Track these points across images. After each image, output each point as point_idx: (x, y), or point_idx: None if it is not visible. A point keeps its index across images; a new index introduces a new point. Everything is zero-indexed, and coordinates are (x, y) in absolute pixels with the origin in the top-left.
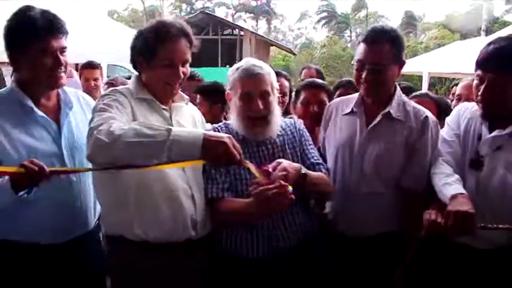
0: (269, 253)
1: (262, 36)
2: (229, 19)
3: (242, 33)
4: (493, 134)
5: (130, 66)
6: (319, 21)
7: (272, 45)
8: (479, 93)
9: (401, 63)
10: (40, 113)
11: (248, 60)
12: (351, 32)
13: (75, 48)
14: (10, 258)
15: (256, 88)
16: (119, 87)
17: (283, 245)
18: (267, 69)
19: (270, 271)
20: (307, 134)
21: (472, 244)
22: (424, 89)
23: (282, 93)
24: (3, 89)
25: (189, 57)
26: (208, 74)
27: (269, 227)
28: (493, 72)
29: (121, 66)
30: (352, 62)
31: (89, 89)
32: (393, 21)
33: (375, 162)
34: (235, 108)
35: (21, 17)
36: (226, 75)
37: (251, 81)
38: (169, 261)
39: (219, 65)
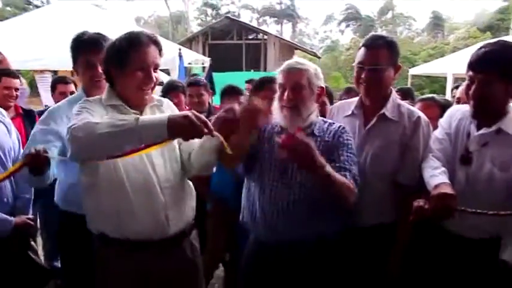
0: (282, 241)
1: (286, 40)
2: (254, 23)
3: (266, 37)
4: (480, 131)
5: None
6: (344, 23)
7: (296, 49)
8: (471, 92)
9: (397, 67)
10: None
11: (291, 60)
12: None
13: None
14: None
15: (288, 80)
16: (90, 98)
17: (291, 231)
18: (307, 67)
19: (283, 259)
20: (349, 140)
21: (464, 234)
22: (448, 91)
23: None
24: None
25: (159, 62)
26: (232, 78)
27: (269, 214)
28: (482, 73)
29: None
30: (352, 64)
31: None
32: (420, 22)
33: (372, 159)
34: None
35: None
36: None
37: (286, 74)
38: (147, 257)
39: (243, 69)
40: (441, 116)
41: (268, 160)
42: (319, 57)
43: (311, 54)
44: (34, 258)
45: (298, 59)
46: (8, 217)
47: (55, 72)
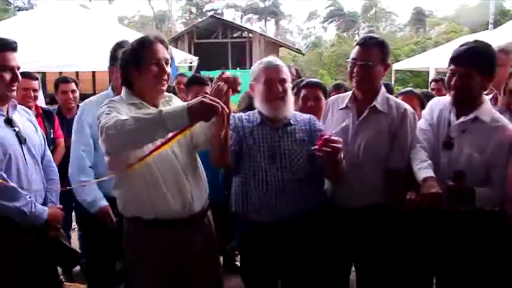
0: (268, 220)
1: (271, 38)
2: (238, 21)
3: (251, 35)
4: (460, 120)
5: None
6: (327, 20)
7: (281, 46)
8: (452, 83)
9: (387, 65)
10: None
11: (268, 58)
12: (359, 31)
13: (89, 56)
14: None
15: (276, 75)
16: (114, 98)
17: (286, 210)
18: (283, 64)
19: (270, 236)
20: (319, 124)
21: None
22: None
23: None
24: None
25: (168, 57)
26: None
27: (267, 195)
28: (464, 66)
29: None
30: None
31: (67, 101)
32: (402, 17)
33: (365, 146)
34: (260, 93)
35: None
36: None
37: (273, 70)
38: (177, 234)
39: (230, 67)
40: (420, 105)
41: (257, 149)
42: (303, 54)
43: (295, 51)
44: (64, 242)
45: (272, 58)
46: (43, 207)
47: (43, 73)
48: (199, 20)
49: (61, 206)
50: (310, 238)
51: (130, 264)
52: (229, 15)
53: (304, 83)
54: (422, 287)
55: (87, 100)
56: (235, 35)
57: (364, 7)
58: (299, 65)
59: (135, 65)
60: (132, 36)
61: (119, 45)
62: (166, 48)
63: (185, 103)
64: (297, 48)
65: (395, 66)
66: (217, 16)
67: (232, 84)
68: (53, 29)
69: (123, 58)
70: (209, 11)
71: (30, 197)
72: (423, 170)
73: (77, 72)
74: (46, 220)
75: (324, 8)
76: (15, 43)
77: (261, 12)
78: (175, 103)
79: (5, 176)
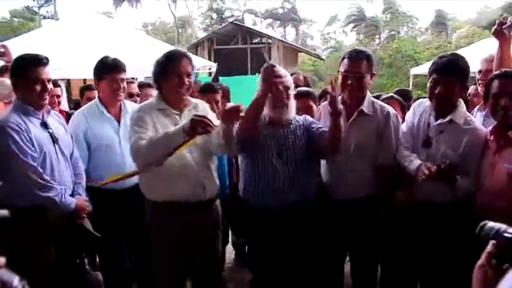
0: (277, 205)
1: (290, 44)
2: (258, 26)
3: (270, 41)
4: (438, 122)
5: None
6: (348, 24)
7: (300, 52)
8: (436, 91)
9: (372, 74)
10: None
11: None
12: (380, 35)
13: None
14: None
15: (282, 84)
16: (144, 103)
17: (290, 198)
18: (287, 73)
19: (278, 220)
20: (311, 119)
21: (429, 200)
22: None
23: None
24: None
25: (190, 70)
26: (238, 82)
27: (276, 184)
28: (446, 76)
29: None
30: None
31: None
32: (423, 21)
33: (355, 146)
34: (268, 101)
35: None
36: (255, 83)
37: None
38: (190, 215)
39: (249, 73)
40: (400, 109)
41: (267, 145)
42: (322, 59)
43: (314, 57)
44: (89, 228)
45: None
46: (71, 198)
47: (68, 80)
48: (219, 26)
49: (87, 198)
50: (308, 223)
51: (152, 240)
52: (249, 21)
53: (295, 94)
54: (412, 275)
55: (78, 111)
56: (254, 41)
57: (384, 10)
58: (319, 70)
59: (161, 74)
60: (153, 44)
61: (101, 62)
62: (190, 62)
63: (183, 123)
64: (315, 54)
65: (414, 70)
66: (237, 22)
67: (235, 114)
68: (76, 39)
69: (155, 67)
70: (229, 17)
71: (60, 189)
72: (413, 161)
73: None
74: (74, 209)
75: (345, 12)
76: (47, 59)
77: (280, 18)
78: (201, 110)
79: (40, 170)
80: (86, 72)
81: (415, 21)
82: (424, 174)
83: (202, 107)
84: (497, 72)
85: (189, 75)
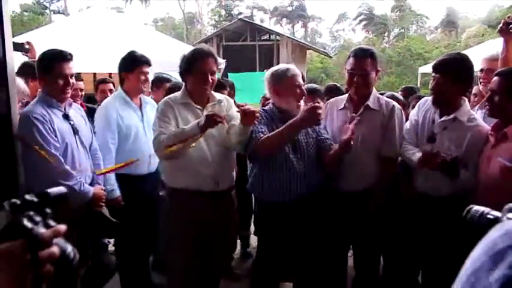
0: (288, 198)
1: (298, 41)
2: (267, 23)
3: (279, 38)
4: (442, 119)
5: (174, 74)
6: (357, 22)
7: (308, 49)
8: (431, 87)
9: (377, 71)
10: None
11: (293, 67)
12: (389, 33)
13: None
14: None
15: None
16: (169, 97)
17: (300, 191)
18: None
19: (288, 212)
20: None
21: (430, 193)
22: None
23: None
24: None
25: (215, 69)
26: (247, 79)
27: (292, 178)
28: (438, 73)
29: (165, 73)
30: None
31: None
32: (433, 19)
33: (361, 140)
34: (292, 95)
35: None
36: (264, 80)
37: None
38: (201, 203)
39: (257, 69)
40: (402, 107)
41: None
42: (330, 57)
43: (323, 54)
44: (106, 215)
45: (293, 66)
46: (89, 187)
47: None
48: (228, 22)
49: (104, 187)
50: (315, 215)
51: (168, 225)
52: (258, 18)
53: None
54: (414, 266)
55: (106, 102)
56: (263, 38)
57: (393, 8)
58: (327, 67)
59: (188, 71)
60: (163, 40)
61: (131, 55)
62: (215, 60)
63: (198, 120)
64: (324, 51)
65: (422, 69)
66: (246, 19)
67: (251, 118)
68: (87, 34)
69: (181, 63)
70: (238, 14)
71: (80, 178)
72: (416, 153)
73: (110, 74)
74: (92, 197)
75: (354, 9)
76: (71, 55)
77: (289, 15)
78: (223, 106)
79: (62, 159)
80: (96, 67)
81: (425, 19)
82: (427, 160)
83: (226, 103)
84: (500, 70)
85: (213, 73)
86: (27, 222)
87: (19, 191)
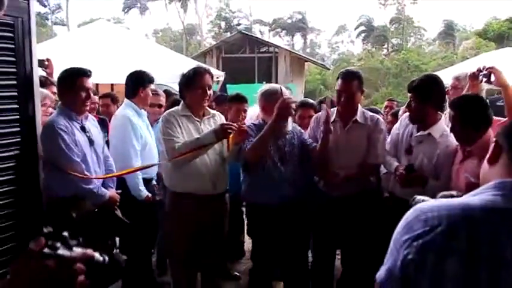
0: (276, 202)
1: (296, 53)
2: (266, 35)
3: (277, 50)
4: (419, 133)
5: (172, 85)
6: (356, 34)
7: (306, 61)
8: (405, 106)
9: (362, 91)
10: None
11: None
12: (388, 45)
13: (124, 70)
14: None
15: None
16: (171, 110)
17: (285, 194)
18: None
19: (276, 215)
20: (304, 133)
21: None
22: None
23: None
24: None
25: (212, 84)
26: (245, 90)
27: (278, 184)
28: (413, 94)
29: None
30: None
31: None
32: (431, 31)
33: (350, 150)
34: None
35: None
36: None
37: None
38: (201, 204)
39: (256, 81)
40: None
41: (270, 152)
42: (328, 69)
43: (320, 66)
44: (119, 216)
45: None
46: (105, 190)
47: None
48: (228, 34)
49: (118, 191)
50: (302, 217)
51: (169, 224)
52: (257, 30)
53: (299, 104)
54: None
55: (123, 115)
56: (261, 50)
57: (392, 20)
58: (326, 79)
59: (188, 86)
60: (162, 52)
61: (142, 74)
62: (212, 77)
63: (213, 128)
64: (322, 64)
65: None
66: (245, 32)
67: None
68: (88, 47)
69: (181, 79)
70: (237, 25)
71: (97, 182)
72: (393, 163)
73: (112, 84)
74: (108, 199)
75: (353, 21)
76: (90, 71)
77: (288, 28)
78: (217, 120)
79: (83, 166)
80: (99, 77)
81: (423, 32)
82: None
83: (219, 117)
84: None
85: (210, 87)
86: (47, 250)
87: (40, 194)
